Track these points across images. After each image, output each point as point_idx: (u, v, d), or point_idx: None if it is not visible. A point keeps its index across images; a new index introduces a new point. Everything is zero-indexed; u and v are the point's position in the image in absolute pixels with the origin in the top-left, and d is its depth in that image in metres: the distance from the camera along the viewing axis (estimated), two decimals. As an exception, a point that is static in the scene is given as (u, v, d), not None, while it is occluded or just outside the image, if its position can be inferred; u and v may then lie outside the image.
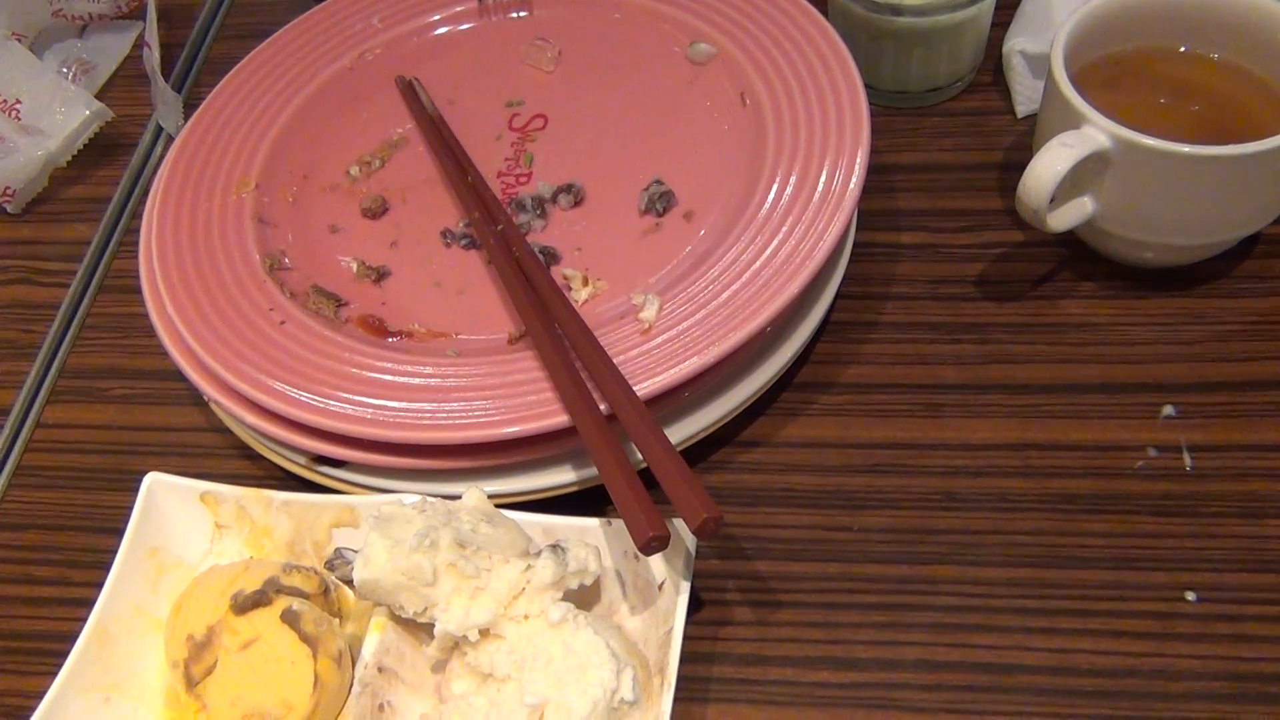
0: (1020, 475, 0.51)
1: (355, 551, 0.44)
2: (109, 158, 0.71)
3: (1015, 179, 0.51)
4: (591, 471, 0.49)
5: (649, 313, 0.49)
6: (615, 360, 0.48)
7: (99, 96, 0.72)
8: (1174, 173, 0.49)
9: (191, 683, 0.44)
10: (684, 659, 0.46)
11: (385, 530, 0.43)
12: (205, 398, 0.53)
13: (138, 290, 0.56)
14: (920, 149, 0.63)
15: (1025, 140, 0.62)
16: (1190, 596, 0.47)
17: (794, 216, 0.51)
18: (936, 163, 0.63)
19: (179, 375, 0.59)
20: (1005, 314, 0.56)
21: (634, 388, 0.46)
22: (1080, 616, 0.47)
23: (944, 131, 0.64)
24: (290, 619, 0.43)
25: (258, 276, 0.54)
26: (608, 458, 0.44)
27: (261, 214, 0.57)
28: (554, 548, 0.44)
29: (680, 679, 0.45)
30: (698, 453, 0.52)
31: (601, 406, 0.46)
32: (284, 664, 0.43)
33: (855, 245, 0.57)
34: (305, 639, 0.43)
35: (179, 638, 0.45)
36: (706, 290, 0.50)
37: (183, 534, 0.50)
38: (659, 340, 0.48)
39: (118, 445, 0.58)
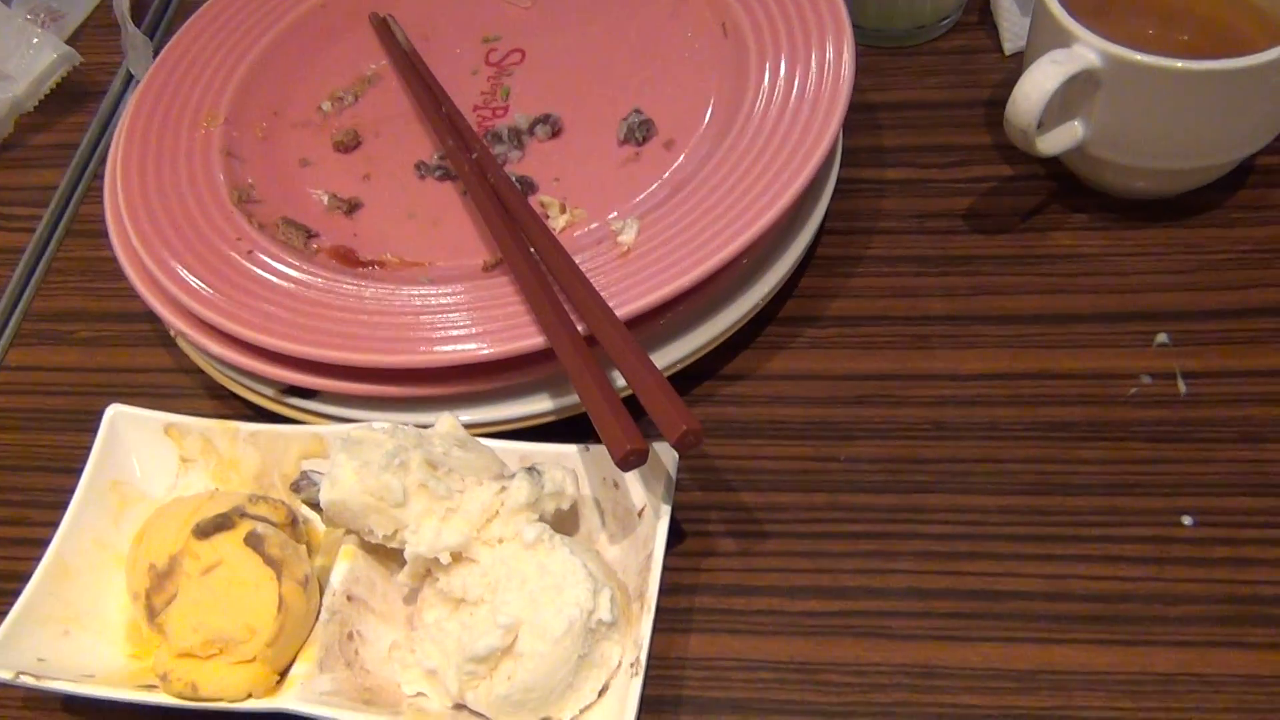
0: (1010, 404, 0.49)
1: (322, 474, 0.42)
2: (78, 105, 0.69)
3: (1003, 115, 0.50)
4: (569, 400, 0.47)
5: (628, 235, 0.48)
6: (593, 282, 0.46)
7: (68, 44, 0.70)
8: (1165, 91, 0.48)
9: (153, 614, 0.43)
10: (665, 590, 0.44)
11: (354, 452, 0.42)
12: (171, 331, 0.52)
13: (105, 234, 0.55)
14: (906, 87, 0.62)
15: (1014, 77, 0.59)
16: (1187, 521, 0.45)
17: (777, 140, 0.50)
18: (922, 100, 0.61)
19: (146, 317, 0.58)
20: (994, 246, 0.55)
21: (613, 310, 0.45)
22: (1074, 542, 0.45)
23: (930, 70, 0.63)
24: (254, 542, 0.41)
25: (225, 208, 0.52)
26: (584, 374, 0.42)
27: (230, 148, 0.56)
28: (529, 470, 0.43)
29: (661, 610, 0.44)
30: (679, 385, 0.50)
31: (579, 327, 0.45)
32: (247, 588, 0.41)
33: (840, 182, 0.56)
34: (270, 562, 0.41)
35: (140, 568, 0.43)
36: (688, 214, 0.48)
37: (147, 468, 0.48)
38: (638, 262, 0.47)
39: (82, 387, 0.56)
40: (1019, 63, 0.58)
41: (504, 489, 0.42)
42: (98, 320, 0.59)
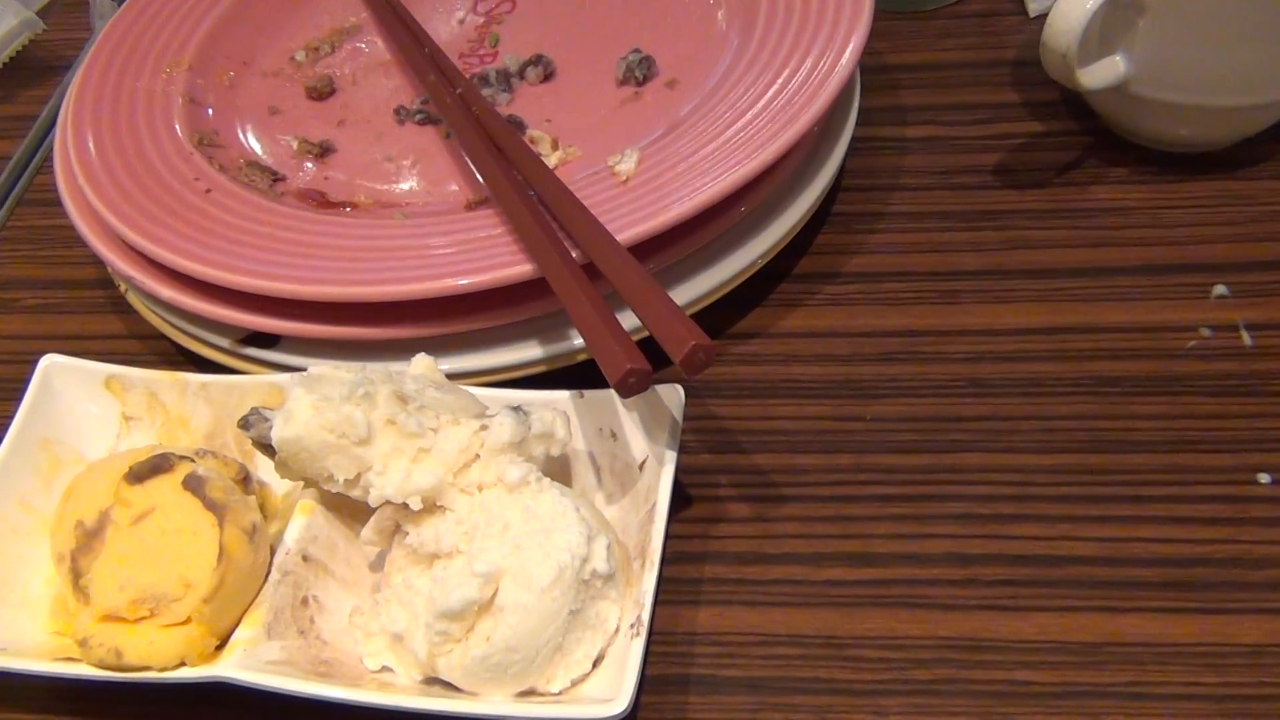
0: (1054, 359, 0.44)
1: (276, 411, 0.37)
2: (39, 78, 0.65)
3: (1030, 74, 0.46)
4: (560, 346, 0.42)
5: (627, 165, 0.43)
6: (591, 209, 0.41)
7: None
8: (1215, 11, 0.44)
9: (78, 577, 0.37)
10: (670, 559, 0.39)
11: (313, 387, 0.36)
12: (120, 285, 0.46)
13: (60, 204, 0.50)
14: (925, 49, 0.58)
15: (1040, 38, 0.57)
16: (1264, 479, 0.40)
17: (789, 71, 0.46)
18: (944, 61, 0.57)
19: (97, 283, 0.53)
20: (1027, 201, 0.50)
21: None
22: (1134, 503, 0.40)
23: (949, 33, 0.59)
24: (193, 484, 0.36)
25: (183, 150, 0.48)
26: (577, 294, 0.37)
27: (193, 94, 0.51)
28: (515, 409, 0.37)
29: (666, 580, 0.38)
30: (684, 341, 0.45)
31: (573, 254, 0.40)
32: (184, 536, 0.35)
33: (857, 140, 0.51)
34: (210, 506, 0.35)
35: (66, 527, 0.37)
36: (692, 142, 0.44)
37: (83, 425, 0.43)
38: (637, 190, 0.42)
39: (25, 354, 0.50)
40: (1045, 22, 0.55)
41: (484, 428, 0.36)
42: (45, 288, 0.54)
